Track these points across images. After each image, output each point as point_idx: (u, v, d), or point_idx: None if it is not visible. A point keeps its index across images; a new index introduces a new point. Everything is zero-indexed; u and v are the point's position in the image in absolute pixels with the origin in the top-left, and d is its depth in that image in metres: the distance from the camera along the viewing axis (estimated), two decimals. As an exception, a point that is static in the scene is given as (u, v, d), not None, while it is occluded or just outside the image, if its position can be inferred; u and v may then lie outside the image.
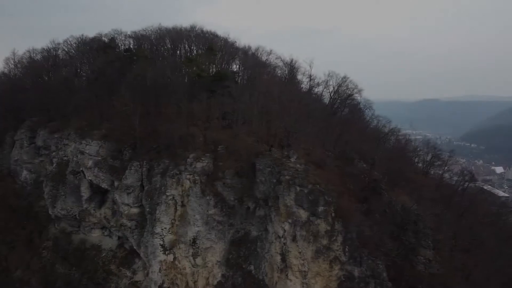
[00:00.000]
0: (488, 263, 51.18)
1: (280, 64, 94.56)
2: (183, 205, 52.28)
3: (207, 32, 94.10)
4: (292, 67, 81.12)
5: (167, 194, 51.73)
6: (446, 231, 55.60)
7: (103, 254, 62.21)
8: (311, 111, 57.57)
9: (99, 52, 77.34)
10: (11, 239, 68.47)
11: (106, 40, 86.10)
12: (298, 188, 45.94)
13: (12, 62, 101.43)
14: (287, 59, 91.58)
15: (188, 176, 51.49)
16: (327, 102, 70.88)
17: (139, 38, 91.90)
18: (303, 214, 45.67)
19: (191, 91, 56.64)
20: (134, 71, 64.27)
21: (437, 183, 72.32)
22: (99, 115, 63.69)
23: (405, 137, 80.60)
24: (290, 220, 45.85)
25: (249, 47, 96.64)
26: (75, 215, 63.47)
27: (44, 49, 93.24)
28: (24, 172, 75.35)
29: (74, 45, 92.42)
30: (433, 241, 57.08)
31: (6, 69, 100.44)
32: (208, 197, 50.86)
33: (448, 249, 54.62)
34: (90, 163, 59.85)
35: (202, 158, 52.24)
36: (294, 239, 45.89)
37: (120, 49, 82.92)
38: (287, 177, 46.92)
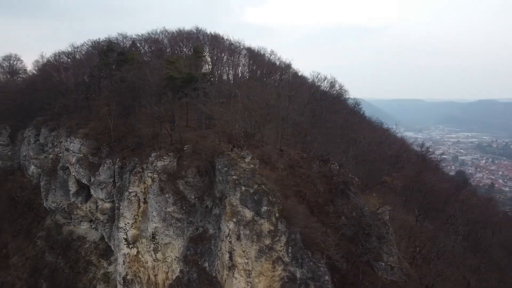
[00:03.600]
0: (451, 273, 48.79)
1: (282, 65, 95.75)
2: (145, 202, 54.55)
3: (209, 34, 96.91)
4: (284, 69, 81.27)
5: (130, 190, 54.26)
6: (414, 238, 53.65)
7: (87, 245, 66.23)
8: (275, 113, 57.53)
9: (100, 55, 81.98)
10: (14, 228, 74.61)
11: (124, 43, 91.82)
12: (243, 188, 46.50)
13: (39, 65, 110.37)
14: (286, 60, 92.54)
15: (149, 174, 53.66)
16: (310, 104, 70.25)
17: (149, 41, 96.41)
18: (248, 214, 46.16)
19: (164, 92, 58.73)
20: (120, 73, 67.43)
21: (427, 188, 69.68)
22: (87, 115, 67.61)
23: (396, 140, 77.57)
24: (234, 219, 46.49)
25: (250, 48, 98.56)
26: (64, 208, 67.97)
27: (63, 52, 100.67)
28: (32, 167, 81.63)
29: (90, 48, 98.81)
30: (398, 247, 55.99)
31: (35, 71, 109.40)
32: (167, 195, 52.62)
33: (411, 256, 52.69)
34: (73, 159, 64.04)
35: (164, 157, 54.10)
36: (238, 238, 46.49)
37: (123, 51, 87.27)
38: (234, 176, 47.62)
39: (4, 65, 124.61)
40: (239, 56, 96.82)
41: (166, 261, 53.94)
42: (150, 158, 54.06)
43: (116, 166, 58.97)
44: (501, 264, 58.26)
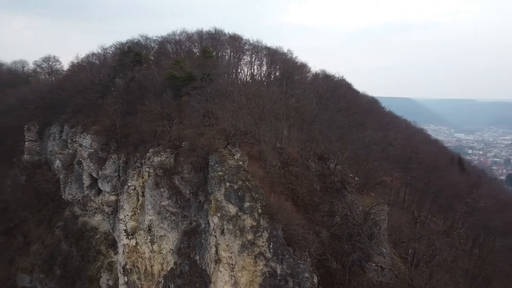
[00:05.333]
0: (440, 276, 47.33)
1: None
2: (144, 195, 57.06)
3: (228, 33, 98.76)
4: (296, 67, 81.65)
5: (129, 184, 57.03)
6: (407, 240, 52.67)
7: (98, 236, 70.03)
8: (273, 111, 58.26)
9: (121, 57, 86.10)
10: (37, 218, 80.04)
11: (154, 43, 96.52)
12: (227, 184, 47.84)
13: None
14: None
15: (146, 169, 56.10)
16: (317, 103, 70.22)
17: (174, 42, 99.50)
18: (232, 209, 47.37)
19: (165, 91, 61.11)
20: (132, 73, 70.72)
21: (436, 190, 67.80)
22: (100, 113, 71.49)
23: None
24: (219, 214, 47.85)
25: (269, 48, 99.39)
26: (79, 200, 72.22)
27: (94, 54, 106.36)
28: (57, 161, 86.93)
29: (117, 50, 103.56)
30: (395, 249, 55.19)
31: (70, 72, 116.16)
32: (162, 189, 54.83)
33: (405, 258, 51.72)
34: (85, 154, 67.96)
35: (161, 153, 56.37)
36: (222, 232, 47.80)
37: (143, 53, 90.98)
38: (220, 173, 49.08)
39: (43, 66, 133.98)
40: (257, 56, 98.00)
41: (162, 253, 56.18)
42: (147, 154, 56.53)
43: (121, 161, 62.12)
44: (506, 271, 55.47)
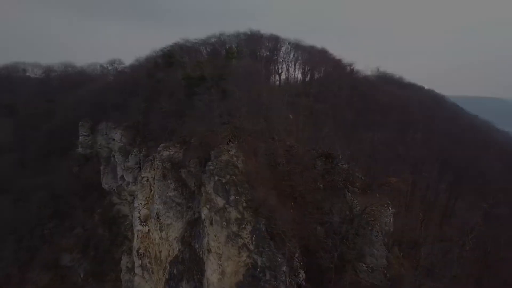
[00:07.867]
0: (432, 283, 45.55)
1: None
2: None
3: (263, 35, 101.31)
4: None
5: (142, 175, 62.13)
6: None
7: (127, 222, 76.73)
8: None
9: (161, 59, 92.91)
10: (84, 206, 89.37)
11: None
12: (216, 178, 50.61)
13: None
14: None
15: (157, 162, 60.82)
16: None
17: (213, 44, 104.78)
18: (220, 202, 50.06)
19: (179, 90, 65.55)
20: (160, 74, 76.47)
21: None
22: (130, 111, 78.30)
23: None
24: (208, 206, 50.86)
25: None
26: (114, 189, 79.67)
27: (148, 56, 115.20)
28: (104, 155, 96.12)
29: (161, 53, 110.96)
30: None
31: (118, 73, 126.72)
32: (168, 181, 59.13)
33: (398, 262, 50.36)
34: (116, 148, 75.02)
35: (170, 148, 60.79)
36: (211, 223, 50.73)
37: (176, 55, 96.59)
38: (211, 167, 52.02)
39: (109, 68, 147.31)
40: (294, 55, 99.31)
41: (168, 240, 60.48)
42: (158, 148, 61.23)
43: (142, 154, 67.84)
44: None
